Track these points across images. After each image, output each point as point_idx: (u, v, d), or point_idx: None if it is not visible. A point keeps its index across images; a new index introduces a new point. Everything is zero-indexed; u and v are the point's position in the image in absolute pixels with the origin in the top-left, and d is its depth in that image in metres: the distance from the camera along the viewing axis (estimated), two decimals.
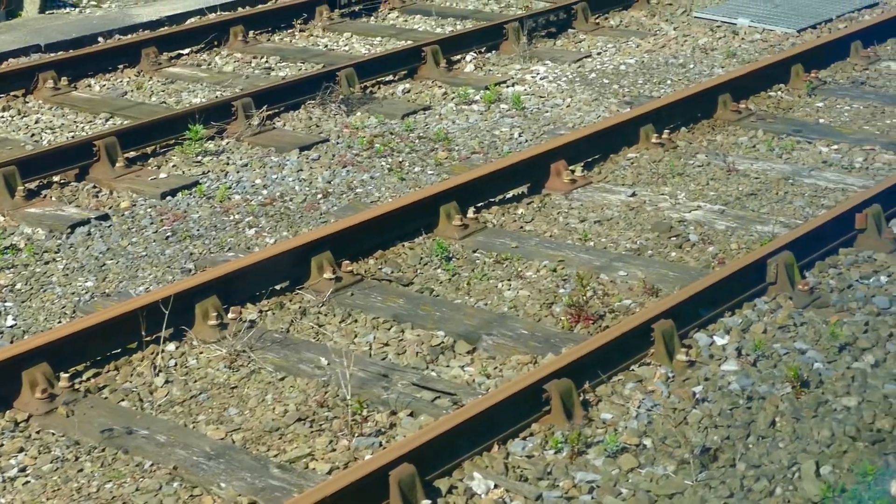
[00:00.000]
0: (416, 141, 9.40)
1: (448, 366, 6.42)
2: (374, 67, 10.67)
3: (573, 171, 8.56)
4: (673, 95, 9.71)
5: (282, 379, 6.32)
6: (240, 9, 12.73)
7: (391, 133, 9.55)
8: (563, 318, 6.77)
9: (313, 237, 7.28)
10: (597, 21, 12.34)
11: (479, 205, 8.16)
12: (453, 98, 10.33)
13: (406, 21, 12.70)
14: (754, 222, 7.90)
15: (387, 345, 6.62)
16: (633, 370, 6.22)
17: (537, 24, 11.80)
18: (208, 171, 8.92)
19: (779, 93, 10.29)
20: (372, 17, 12.80)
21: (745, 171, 8.69)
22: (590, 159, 8.90)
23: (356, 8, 12.82)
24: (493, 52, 11.52)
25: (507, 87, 10.59)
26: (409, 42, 11.62)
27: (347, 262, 7.30)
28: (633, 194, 8.36)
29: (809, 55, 10.70)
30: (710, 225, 7.89)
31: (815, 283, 7.04)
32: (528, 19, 11.72)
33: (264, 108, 9.63)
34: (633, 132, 9.12)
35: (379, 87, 10.64)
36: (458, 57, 11.26)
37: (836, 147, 9.14)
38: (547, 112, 9.98)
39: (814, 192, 8.36)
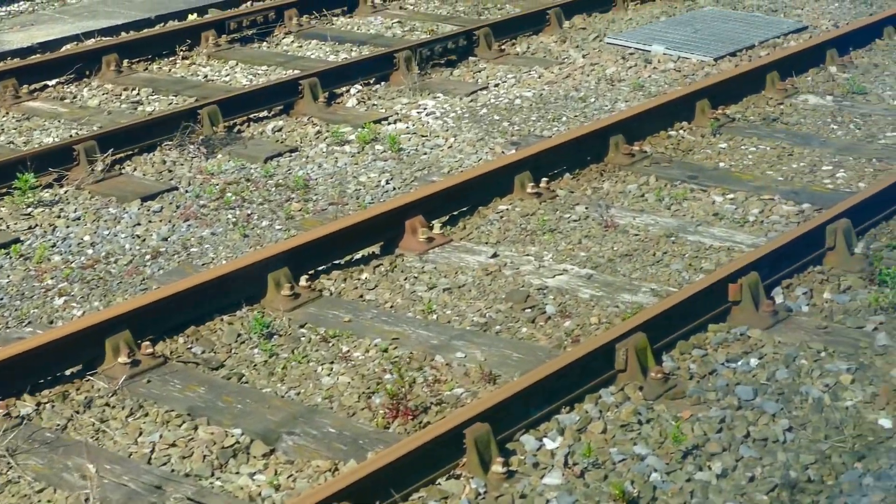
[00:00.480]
0: (273, 189, 8.55)
1: (237, 472, 5.57)
2: (246, 102, 9.81)
3: (431, 228, 7.72)
4: (558, 137, 8.86)
5: (40, 492, 5.47)
6: (123, 34, 11.87)
7: (248, 180, 8.70)
8: (380, 412, 5.93)
9: (110, 315, 6.42)
10: (502, 47, 11.48)
11: (320, 268, 7.33)
12: (326, 138, 9.47)
13: (300, 47, 11.84)
14: (622, 290, 7.06)
15: (174, 445, 5.77)
16: (439, 485, 5.37)
17: (433, 53, 10.94)
18: (35, 226, 8.06)
19: (681, 132, 9.45)
20: (264, 43, 11.94)
21: (625, 227, 7.84)
22: (455, 212, 8.06)
23: (248, 33, 11.95)
24: (383, 83, 10.67)
25: (389, 124, 9.74)
26: (296, 72, 10.77)
27: (150, 342, 6.46)
28: (495, 255, 7.51)
29: (718, 89, 9.85)
30: (573, 293, 7.04)
31: (672, 369, 6.21)
32: (422, 47, 10.87)
33: (109, 152, 8.77)
34: (507, 181, 8.27)
35: (249, 125, 9.78)
36: (344, 89, 10.41)
37: (731, 196, 8.30)
38: (425, 154, 9.13)
39: (696, 251, 7.51)
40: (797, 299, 6.92)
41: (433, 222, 7.87)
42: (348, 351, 6.52)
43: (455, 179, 8.10)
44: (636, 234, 7.75)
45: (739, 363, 6.27)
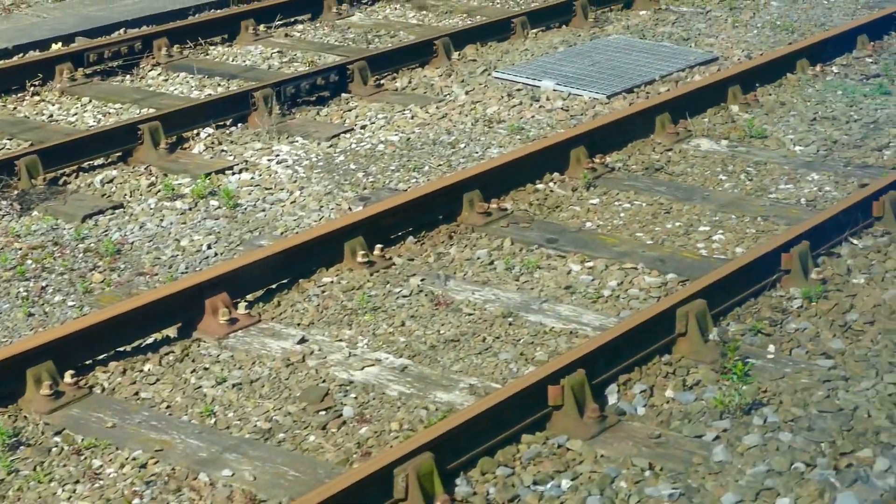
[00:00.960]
0: (81, 255, 7.63)
1: None
2: (77, 150, 8.87)
3: (237, 307, 6.80)
4: (402, 196, 7.92)
5: None
6: None
7: (55, 243, 7.78)
8: None
9: None
10: (380, 82, 10.56)
11: (99, 357, 6.41)
12: (158, 191, 8.54)
13: (166, 80, 10.90)
14: (437, 386, 6.15)
15: None
16: None
17: (299, 90, 10.01)
18: None
19: (551, 184, 8.52)
20: (128, 76, 10.99)
21: (460, 304, 6.93)
22: (273, 285, 7.14)
23: (111, 65, 11.02)
24: (240, 125, 9.73)
25: (234, 174, 8.81)
26: (151, 110, 9.85)
27: None
28: (303, 340, 6.60)
29: (599, 134, 8.93)
30: (380, 390, 6.13)
31: (466, 495, 5.30)
32: (286, 84, 9.94)
33: None
34: (336, 248, 7.35)
35: (79, 176, 8.84)
36: (195, 133, 9.47)
37: (590, 265, 7.39)
38: (263, 211, 8.21)
39: (533, 336, 6.60)
40: (633, 399, 6.02)
41: (248, 297, 6.98)
42: (101, 466, 5.60)
43: (273, 249, 7.16)
44: (470, 314, 6.84)
45: (548, 486, 5.36)
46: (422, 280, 7.20)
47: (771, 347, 6.44)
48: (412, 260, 7.48)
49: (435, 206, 7.89)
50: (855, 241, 7.57)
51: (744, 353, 6.32)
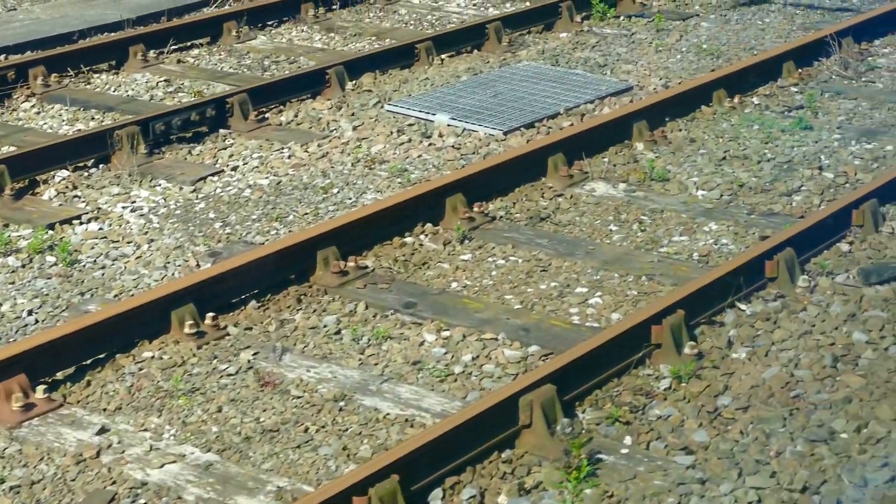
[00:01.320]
0: None
1: None
2: None
3: (35, 391, 6.07)
4: (247, 254, 7.16)
5: None
6: None
7: None
8: None
9: None
10: (265, 116, 9.82)
11: None
12: None
13: (39, 113, 10.13)
14: (241, 489, 5.42)
15: None
16: None
17: (170, 126, 9.26)
18: None
19: (421, 237, 7.79)
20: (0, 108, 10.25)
21: (290, 384, 6.20)
22: (87, 361, 6.40)
23: None
24: (103, 166, 8.98)
25: (81, 224, 8.07)
26: (11, 149, 9.11)
27: None
28: (103, 430, 5.86)
29: (480, 179, 8.20)
30: (177, 493, 5.40)
31: None
32: (155, 121, 9.19)
33: None
34: (162, 317, 6.61)
35: None
36: (50, 176, 8.73)
37: (446, 334, 6.67)
38: (102, 269, 7.46)
39: (363, 424, 5.88)
40: None
41: (58, 375, 6.26)
42: None
43: (86, 321, 6.41)
44: (299, 397, 6.11)
45: None
46: (254, 354, 6.47)
47: (627, 440, 5.72)
48: (250, 329, 6.75)
49: (284, 266, 7.15)
50: (743, 307, 6.85)
51: (596, 447, 5.61)
